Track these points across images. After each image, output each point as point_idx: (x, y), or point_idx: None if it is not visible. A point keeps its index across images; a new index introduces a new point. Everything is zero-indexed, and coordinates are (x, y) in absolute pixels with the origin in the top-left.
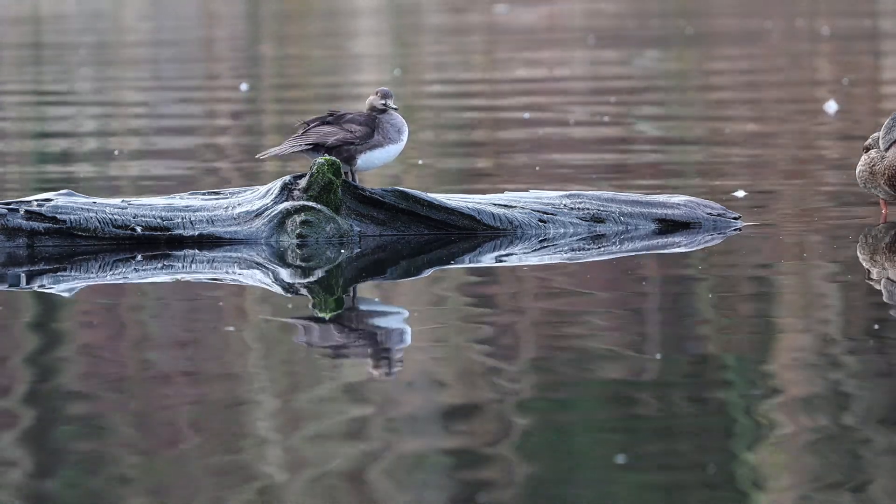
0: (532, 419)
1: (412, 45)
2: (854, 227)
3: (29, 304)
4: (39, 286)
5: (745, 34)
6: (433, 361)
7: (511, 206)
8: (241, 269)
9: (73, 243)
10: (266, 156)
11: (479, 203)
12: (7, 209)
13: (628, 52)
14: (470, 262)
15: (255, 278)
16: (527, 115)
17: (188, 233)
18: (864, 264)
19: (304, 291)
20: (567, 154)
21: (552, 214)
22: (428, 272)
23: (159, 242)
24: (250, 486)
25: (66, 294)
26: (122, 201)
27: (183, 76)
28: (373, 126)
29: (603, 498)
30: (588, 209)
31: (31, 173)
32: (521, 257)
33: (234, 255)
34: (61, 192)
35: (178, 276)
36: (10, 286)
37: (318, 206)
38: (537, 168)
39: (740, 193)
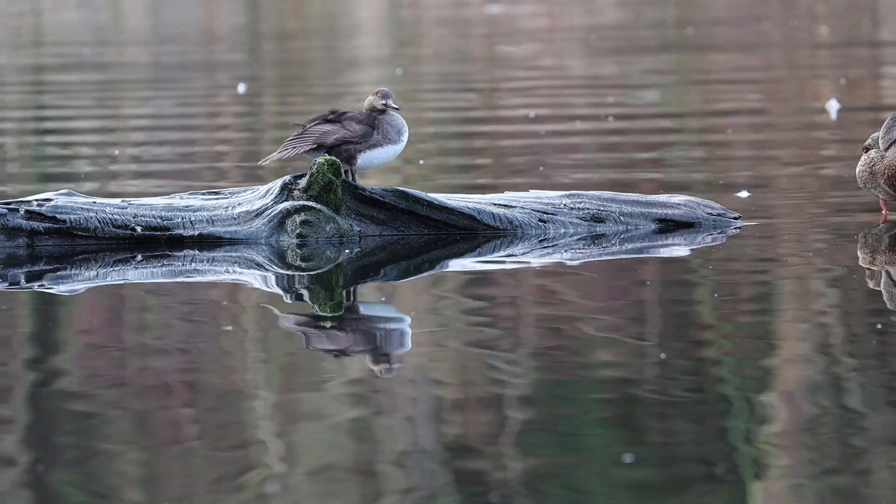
0: (533, 420)
1: (412, 45)
2: (854, 227)
3: (29, 304)
4: (39, 286)
5: (744, 34)
6: (433, 361)
7: (511, 206)
8: (240, 269)
9: (73, 243)
10: (268, 160)
11: (479, 203)
12: (7, 209)
13: (629, 61)
14: (470, 262)
15: (254, 278)
16: (532, 114)
17: (188, 233)
18: (864, 264)
19: (303, 291)
20: (570, 153)
21: (552, 214)
22: (428, 272)
23: (159, 242)
24: (250, 487)
25: (66, 294)
26: (122, 201)
27: (182, 76)
28: (373, 125)
29: (607, 497)
30: (588, 209)
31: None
32: (521, 257)
33: (234, 254)
34: (61, 191)
35: (178, 276)
36: (10, 286)
37: (318, 206)
38: (541, 168)
39: (744, 194)
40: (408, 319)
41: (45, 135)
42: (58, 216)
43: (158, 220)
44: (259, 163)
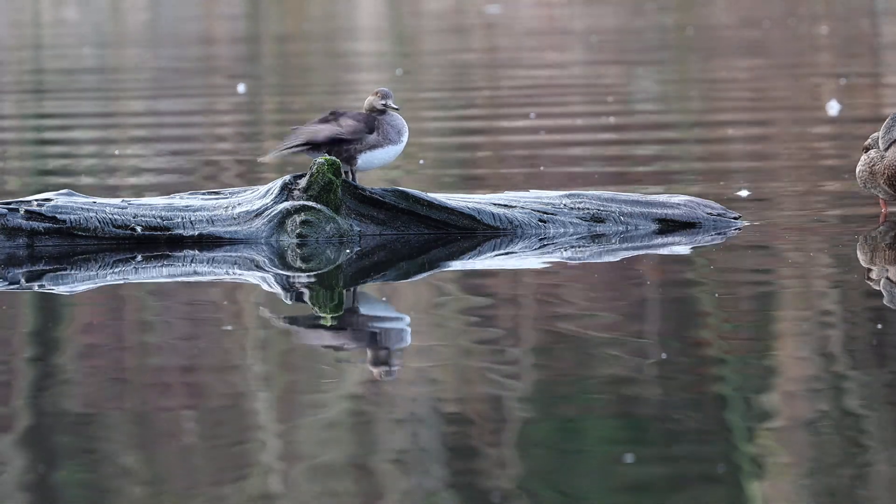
0: (533, 420)
1: (412, 45)
2: (854, 227)
3: (29, 304)
4: (39, 286)
5: (743, 34)
6: (433, 362)
7: (511, 206)
8: (240, 269)
9: (73, 243)
10: (266, 158)
11: (479, 203)
12: (7, 209)
13: (629, 61)
14: (470, 262)
15: (254, 278)
16: (533, 115)
17: (188, 233)
18: (863, 263)
19: (303, 291)
20: (571, 154)
21: (552, 214)
22: (428, 272)
23: (159, 242)
24: (249, 487)
25: (66, 294)
26: (122, 201)
27: (181, 76)
28: (369, 125)
29: (607, 498)
30: (588, 209)
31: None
32: (521, 257)
33: (233, 254)
34: (61, 191)
35: (178, 276)
36: (9, 286)
37: (318, 206)
38: (541, 168)
39: (744, 193)
40: (407, 319)
41: (45, 145)
42: (58, 216)
43: (158, 220)
44: (258, 159)
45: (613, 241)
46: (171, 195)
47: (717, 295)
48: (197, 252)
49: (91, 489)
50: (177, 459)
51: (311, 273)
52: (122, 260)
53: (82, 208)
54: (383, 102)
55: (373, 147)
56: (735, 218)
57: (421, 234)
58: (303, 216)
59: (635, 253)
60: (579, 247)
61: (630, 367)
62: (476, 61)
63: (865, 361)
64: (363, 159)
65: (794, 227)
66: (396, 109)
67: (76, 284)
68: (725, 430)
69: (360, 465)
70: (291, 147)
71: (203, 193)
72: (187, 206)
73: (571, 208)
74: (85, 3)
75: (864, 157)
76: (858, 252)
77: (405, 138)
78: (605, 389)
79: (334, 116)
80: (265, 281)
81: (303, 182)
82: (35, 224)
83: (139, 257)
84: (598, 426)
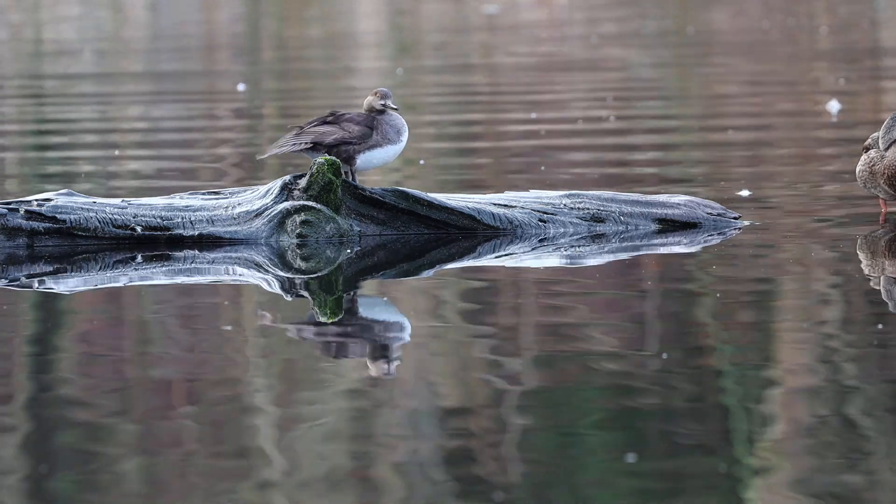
0: (533, 421)
1: (412, 46)
2: (854, 227)
3: (29, 304)
4: (39, 286)
5: (743, 34)
6: (433, 362)
7: (511, 206)
8: (240, 269)
9: (73, 243)
10: (266, 155)
11: (479, 203)
12: (7, 209)
13: (628, 61)
14: (470, 262)
15: (254, 278)
16: (534, 114)
17: (188, 233)
18: (863, 264)
19: (303, 291)
20: (571, 153)
21: (552, 214)
22: (428, 272)
23: (159, 242)
24: (249, 488)
25: (66, 294)
26: (122, 201)
27: (181, 76)
28: (371, 126)
29: (607, 499)
30: (588, 209)
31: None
32: (521, 257)
33: (234, 254)
34: (61, 191)
35: (178, 276)
36: (9, 286)
37: (318, 206)
38: (542, 168)
39: (745, 193)
40: (407, 320)
41: (45, 149)
42: (58, 216)
43: (158, 220)
44: (257, 157)
45: (613, 241)
46: (172, 195)
47: (717, 295)
48: (197, 252)
49: (90, 494)
50: (174, 466)
51: (311, 273)
52: (122, 260)
53: (82, 208)
54: (382, 102)
55: (372, 147)
56: (735, 218)
57: (421, 234)
58: (303, 216)
59: (635, 253)
60: (579, 247)
61: (630, 368)
62: (475, 61)
63: (866, 363)
64: (362, 159)
65: (795, 226)
66: (395, 109)
67: (76, 284)
68: (726, 431)
69: (358, 469)
70: (298, 147)
71: (203, 193)
72: (187, 206)
73: (571, 208)
74: (86, 7)
75: (864, 157)
76: (858, 252)
77: (405, 138)
78: (606, 391)
79: (335, 118)
80: (265, 281)
81: (303, 182)
82: (35, 224)
83: (139, 257)
84: (599, 427)
